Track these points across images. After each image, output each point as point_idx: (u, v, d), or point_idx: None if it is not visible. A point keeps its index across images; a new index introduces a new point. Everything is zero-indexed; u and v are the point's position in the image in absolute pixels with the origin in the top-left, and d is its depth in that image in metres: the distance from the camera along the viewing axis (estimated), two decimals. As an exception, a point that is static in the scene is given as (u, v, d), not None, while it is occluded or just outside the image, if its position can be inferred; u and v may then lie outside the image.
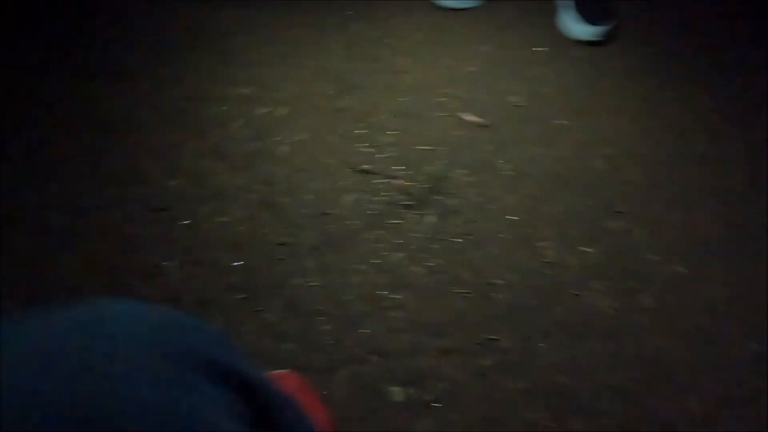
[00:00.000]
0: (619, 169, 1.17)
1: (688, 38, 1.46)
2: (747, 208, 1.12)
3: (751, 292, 1.00)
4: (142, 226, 1.01)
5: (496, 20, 1.48)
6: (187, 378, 0.34)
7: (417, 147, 1.17)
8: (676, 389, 0.88)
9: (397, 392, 0.85)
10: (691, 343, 0.93)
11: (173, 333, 0.36)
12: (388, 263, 1.00)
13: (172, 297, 0.93)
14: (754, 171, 1.18)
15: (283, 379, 0.78)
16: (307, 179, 1.11)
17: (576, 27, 1.42)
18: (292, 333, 0.91)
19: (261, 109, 1.22)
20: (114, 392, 0.31)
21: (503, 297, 0.98)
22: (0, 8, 1.39)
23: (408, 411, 0.84)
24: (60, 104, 1.20)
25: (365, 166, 1.13)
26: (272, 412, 0.42)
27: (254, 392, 0.39)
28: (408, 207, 1.07)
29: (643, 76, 1.37)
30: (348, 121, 1.22)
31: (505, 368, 0.89)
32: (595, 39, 1.41)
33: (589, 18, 1.40)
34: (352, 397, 0.85)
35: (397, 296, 0.96)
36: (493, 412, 0.84)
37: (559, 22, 1.46)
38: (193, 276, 0.95)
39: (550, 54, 1.40)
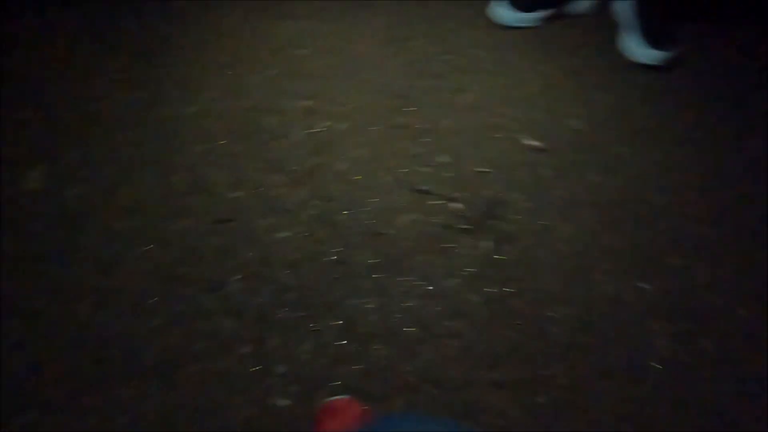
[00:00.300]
0: (682, 202, 1.14)
1: (759, 67, 1.40)
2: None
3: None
4: (204, 237, 1.03)
5: (557, 41, 1.43)
6: None
7: (474, 168, 1.16)
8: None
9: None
10: (756, 393, 0.90)
11: None
12: (442, 288, 1.00)
13: (234, 312, 0.95)
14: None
15: (345, 407, 0.78)
16: (365, 197, 1.11)
17: (639, 50, 1.36)
18: (347, 356, 0.92)
19: (321, 123, 1.22)
20: None
21: (558, 331, 0.96)
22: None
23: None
24: (124, 110, 1.23)
25: (422, 187, 1.12)
26: None
27: None
28: (464, 231, 1.07)
29: (708, 105, 1.31)
30: (406, 138, 1.21)
31: (559, 407, 0.88)
32: (658, 64, 1.35)
33: (653, 42, 1.35)
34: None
35: (451, 323, 0.96)
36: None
37: (622, 45, 1.41)
38: (253, 291, 0.97)
39: (613, 78, 1.35)
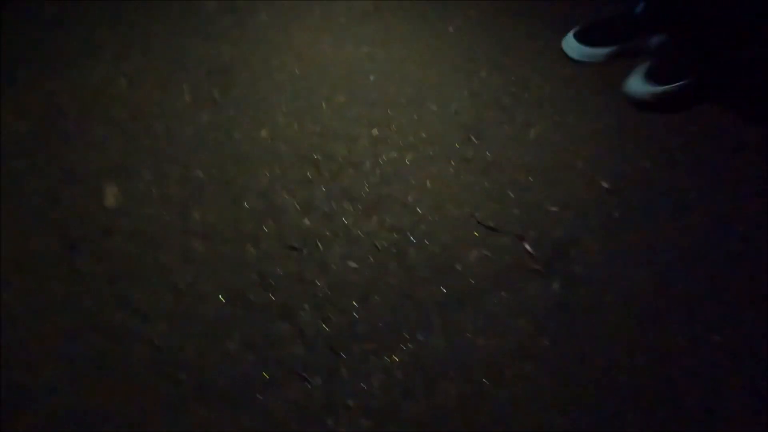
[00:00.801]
0: (759, 250, 1.09)
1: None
2: None
3: None
4: (277, 263, 1.04)
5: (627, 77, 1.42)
6: None
7: (543, 206, 1.14)
8: None
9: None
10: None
11: None
12: (512, 329, 0.98)
13: (305, 340, 0.95)
14: None
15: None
16: (433, 230, 1.09)
17: (634, 84, 1.31)
18: (417, 393, 0.91)
19: (389, 153, 1.21)
20: None
21: (630, 381, 0.94)
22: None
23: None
24: (197, 130, 1.24)
25: (490, 223, 1.12)
26: None
27: None
28: (533, 272, 1.05)
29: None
30: (474, 172, 1.19)
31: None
32: (647, 99, 1.30)
33: (653, 76, 1.30)
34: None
35: (521, 366, 0.95)
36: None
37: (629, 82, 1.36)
38: (325, 320, 0.97)
39: (683, 118, 1.31)
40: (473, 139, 1.26)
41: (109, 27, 1.45)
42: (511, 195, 1.16)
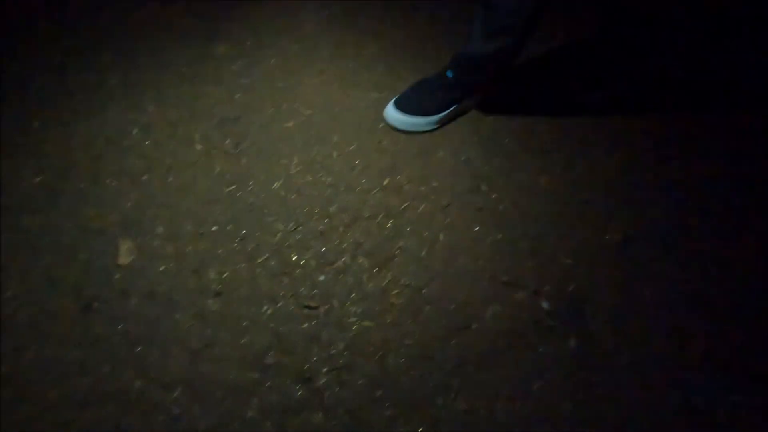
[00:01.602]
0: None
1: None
2: None
3: None
4: (294, 323, 1.02)
5: (634, 124, 1.39)
6: None
7: (557, 259, 1.12)
8: None
9: None
10: None
11: None
12: (532, 391, 0.96)
13: (324, 406, 0.93)
14: None
15: None
16: (447, 286, 1.08)
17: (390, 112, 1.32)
18: (438, 460, 0.90)
19: (400, 203, 1.20)
20: None
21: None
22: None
23: None
24: (212, 183, 1.22)
25: (505, 277, 1.10)
26: None
27: None
28: (549, 329, 1.03)
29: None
30: (486, 223, 1.18)
31: None
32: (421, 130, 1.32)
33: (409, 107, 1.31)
34: None
35: (541, 430, 0.93)
36: None
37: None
38: (342, 384, 0.95)
39: (695, 165, 1.29)
40: (483, 187, 1.26)
41: (120, 74, 1.43)
42: (524, 247, 1.15)
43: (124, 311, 1.02)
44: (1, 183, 1.19)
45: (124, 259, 1.10)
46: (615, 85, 1.47)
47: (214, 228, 1.15)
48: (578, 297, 1.07)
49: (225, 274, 1.08)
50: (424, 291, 1.07)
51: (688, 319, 1.05)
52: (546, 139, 1.37)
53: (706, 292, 1.09)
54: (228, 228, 1.15)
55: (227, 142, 1.31)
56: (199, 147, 1.30)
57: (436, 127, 1.37)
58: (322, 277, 1.08)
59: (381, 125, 1.37)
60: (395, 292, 1.07)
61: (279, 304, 1.04)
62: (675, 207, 1.23)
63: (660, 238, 1.17)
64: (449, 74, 1.34)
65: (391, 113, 1.35)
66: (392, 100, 1.37)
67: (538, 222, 1.20)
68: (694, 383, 0.97)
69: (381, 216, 1.19)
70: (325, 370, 0.96)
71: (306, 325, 1.02)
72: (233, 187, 1.23)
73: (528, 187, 1.26)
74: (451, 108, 1.36)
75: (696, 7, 1.69)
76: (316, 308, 1.04)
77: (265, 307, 1.04)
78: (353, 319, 1.03)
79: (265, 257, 1.11)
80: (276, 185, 1.23)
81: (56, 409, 0.91)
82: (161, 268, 1.08)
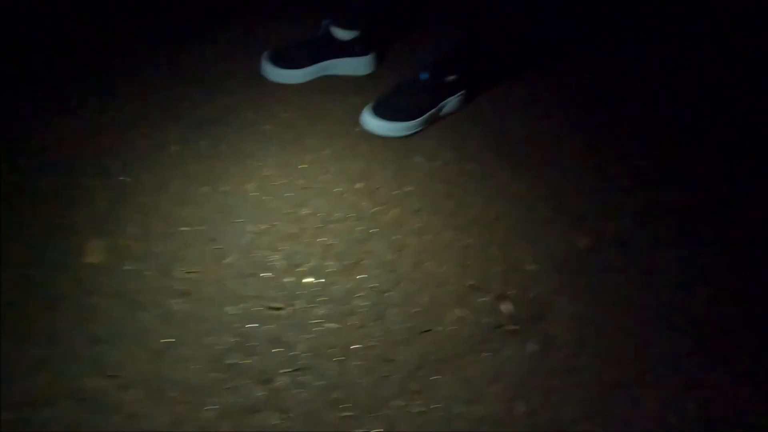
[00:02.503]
0: (755, 316, 1.07)
1: None
2: None
3: None
4: (257, 324, 1.00)
5: (608, 132, 1.40)
6: None
7: (523, 265, 1.11)
8: None
9: None
10: None
11: None
12: (488, 395, 0.94)
13: (282, 407, 0.91)
14: None
15: None
16: (413, 289, 1.07)
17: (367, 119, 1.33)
18: (393, 463, 0.89)
19: (372, 207, 1.19)
20: None
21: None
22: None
23: None
24: (186, 183, 1.21)
25: (471, 281, 1.09)
26: None
27: None
28: (511, 333, 1.01)
29: None
30: (456, 228, 1.17)
31: None
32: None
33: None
34: None
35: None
36: None
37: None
38: (301, 385, 0.94)
39: (671, 173, 1.30)
40: (457, 193, 1.25)
41: (100, 73, 1.44)
42: (492, 253, 1.14)
43: (89, 310, 1.01)
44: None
45: (92, 258, 1.10)
46: (589, 91, 1.48)
47: (184, 228, 1.14)
48: (541, 302, 1.06)
49: (192, 275, 1.07)
50: (388, 294, 1.06)
51: (645, 324, 1.04)
52: (519, 145, 1.36)
53: (670, 303, 1.08)
54: (198, 228, 1.14)
55: (203, 144, 1.32)
56: (175, 148, 1.30)
57: (411, 131, 1.37)
58: (289, 279, 1.07)
59: (357, 129, 1.37)
60: (360, 294, 1.06)
61: (243, 305, 1.03)
62: (645, 215, 1.22)
63: (629, 245, 1.16)
64: (423, 76, 1.34)
65: (368, 119, 1.35)
66: (369, 105, 1.37)
67: (508, 228, 1.19)
68: (651, 389, 0.96)
69: (352, 219, 1.18)
70: (284, 371, 0.94)
71: (270, 326, 1.00)
72: (207, 188, 1.22)
73: (500, 194, 1.25)
74: (427, 113, 1.36)
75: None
76: (280, 309, 1.02)
77: (229, 308, 1.02)
78: (317, 321, 1.02)
79: (233, 258, 1.10)
80: (249, 186, 1.22)
81: (12, 408, 0.89)
82: (128, 268, 1.07)
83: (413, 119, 1.36)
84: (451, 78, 1.35)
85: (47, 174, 1.20)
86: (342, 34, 1.44)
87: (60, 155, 1.24)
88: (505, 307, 1.04)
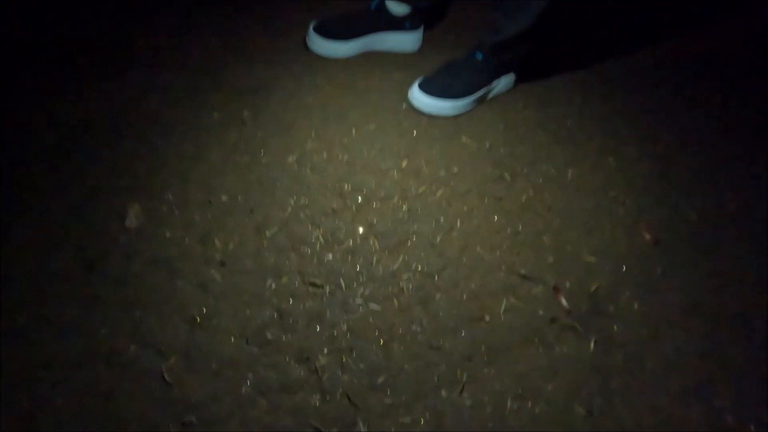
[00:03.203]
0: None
1: None
2: None
3: None
4: (297, 300, 0.96)
5: (672, 117, 1.31)
6: None
7: (580, 256, 1.05)
8: None
9: None
10: None
11: None
12: (544, 393, 0.88)
13: (322, 389, 0.87)
14: None
15: None
16: (462, 275, 1.01)
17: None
18: (438, 455, 0.84)
19: (417, 187, 1.14)
20: None
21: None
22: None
23: None
24: (226, 152, 1.18)
25: (523, 270, 1.03)
26: None
27: None
28: (567, 327, 0.95)
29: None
30: (506, 212, 1.11)
31: None
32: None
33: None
34: None
35: (551, 434, 0.87)
36: None
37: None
38: (343, 367, 0.89)
39: (734, 165, 1.22)
40: (506, 177, 1.19)
41: (144, 39, 1.41)
42: (546, 241, 1.08)
43: (126, 275, 0.98)
44: (14, 136, 1.18)
45: (131, 222, 1.07)
46: (655, 85, 1.39)
47: (223, 197, 1.10)
48: (601, 298, 0.99)
49: (231, 245, 1.03)
50: (436, 278, 1.01)
51: (711, 328, 0.96)
52: (576, 131, 1.28)
53: (747, 307, 1.00)
54: (238, 199, 1.10)
55: (245, 113, 1.27)
56: (216, 116, 1.26)
57: (460, 111, 1.31)
58: (330, 256, 1.03)
59: (403, 106, 1.30)
60: (406, 276, 1.01)
61: (283, 280, 0.98)
62: (713, 212, 1.14)
63: (694, 241, 1.09)
64: (478, 56, 1.27)
65: (416, 95, 1.29)
66: (417, 82, 1.31)
67: (562, 216, 1.12)
68: (723, 395, 0.90)
69: (396, 198, 1.13)
70: (326, 351, 0.90)
71: (310, 303, 0.96)
72: (247, 158, 1.18)
73: (554, 180, 1.18)
74: (478, 92, 1.29)
75: None
76: (321, 287, 0.98)
77: (269, 282, 0.98)
78: (359, 301, 0.97)
79: (273, 231, 1.06)
80: (290, 159, 1.18)
81: (50, 367, 0.87)
82: (167, 235, 1.04)
83: (462, 98, 1.29)
84: (506, 59, 1.28)
85: (89, 138, 1.18)
86: (397, 8, 1.38)
87: (102, 119, 1.22)
88: (563, 300, 0.99)
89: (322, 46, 1.40)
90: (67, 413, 0.84)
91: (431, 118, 1.29)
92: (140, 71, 1.32)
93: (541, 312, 0.97)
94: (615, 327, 0.96)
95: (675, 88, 1.41)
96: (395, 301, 0.98)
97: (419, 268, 1.02)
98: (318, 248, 1.04)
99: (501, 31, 1.23)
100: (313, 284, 0.98)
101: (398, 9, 1.39)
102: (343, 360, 0.90)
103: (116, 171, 1.13)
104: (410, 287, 0.99)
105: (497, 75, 1.31)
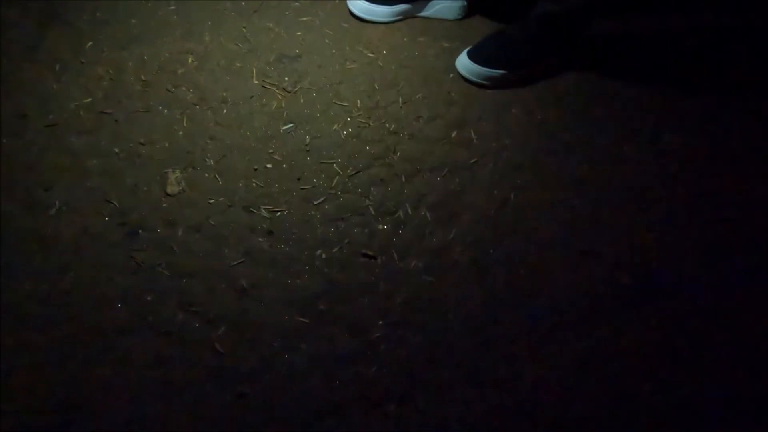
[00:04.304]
0: None
1: None
2: None
3: None
4: (350, 271, 0.94)
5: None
6: None
7: (642, 233, 0.98)
8: None
9: None
10: None
11: None
12: (610, 371, 0.85)
13: (378, 361, 0.84)
14: None
15: None
16: (520, 250, 0.96)
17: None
18: (500, 430, 0.81)
19: (471, 159, 1.09)
20: None
21: None
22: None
23: None
24: (269, 120, 1.14)
25: (583, 247, 0.97)
26: None
27: None
28: (631, 307, 0.91)
29: None
30: (565, 188, 1.05)
31: None
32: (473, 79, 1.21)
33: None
34: None
35: (623, 415, 0.83)
36: None
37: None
38: (399, 340, 0.87)
39: None
40: (560, 150, 1.15)
41: (178, 2, 1.38)
42: (604, 216, 1.05)
43: (170, 241, 0.95)
44: (49, 100, 1.14)
45: (172, 188, 1.03)
46: (715, 58, 1.33)
47: (268, 165, 1.07)
48: (664, 275, 0.96)
49: (278, 214, 1.00)
50: (491, 251, 0.98)
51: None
52: (631, 106, 1.23)
53: None
54: (283, 167, 1.07)
55: (286, 79, 1.22)
56: (256, 82, 1.22)
57: (510, 82, 1.26)
58: (381, 227, 0.99)
59: (451, 75, 1.25)
60: (460, 249, 0.98)
61: (334, 250, 0.96)
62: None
63: (763, 224, 1.05)
64: (532, 28, 1.22)
65: (465, 63, 1.24)
66: (466, 50, 1.26)
67: (620, 191, 1.08)
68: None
69: (447, 169, 1.09)
70: (381, 323, 0.88)
71: (362, 274, 0.93)
72: (290, 125, 1.14)
73: (610, 155, 1.13)
74: (531, 64, 1.24)
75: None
76: (374, 258, 0.95)
77: (319, 251, 0.95)
78: (413, 273, 0.94)
79: (321, 200, 1.03)
80: (336, 127, 1.14)
81: (95, 333, 0.85)
82: (211, 201, 1.01)
83: (514, 69, 1.25)
84: (562, 34, 1.23)
85: (123, 99, 1.14)
86: None
87: (136, 81, 1.18)
88: (624, 277, 0.95)
89: (365, 9, 1.35)
90: (115, 381, 0.82)
91: (479, 89, 1.25)
92: (174, 36, 1.26)
93: (602, 289, 0.94)
94: (680, 307, 0.92)
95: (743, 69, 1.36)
96: (450, 274, 0.95)
97: (474, 241, 0.99)
98: (369, 218, 1.01)
99: (552, 3, 1.17)
100: (366, 255, 0.95)
101: None
102: (399, 332, 0.87)
103: (154, 136, 1.09)
104: (465, 260, 0.96)
105: (550, 49, 1.26)
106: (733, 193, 1.08)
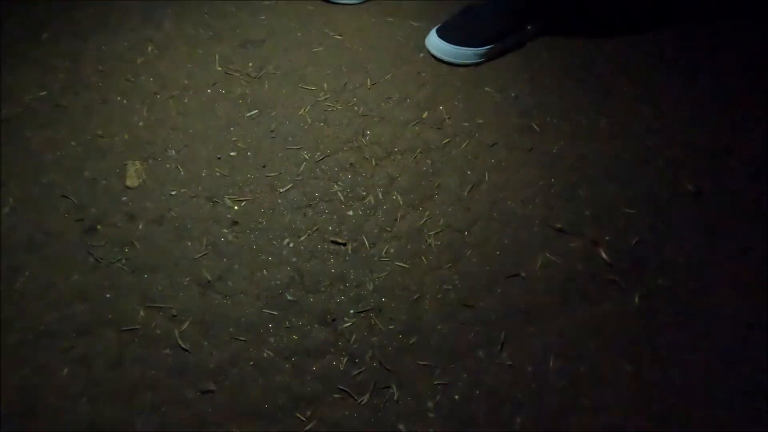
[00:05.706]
0: None
1: None
2: None
3: None
4: (318, 259, 0.90)
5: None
6: None
7: (619, 206, 0.98)
8: None
9: None
10: None
11: None
12: (588, 351, 0.83)
13: (349, 352, 0.81)
14: None
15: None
16: (495, 230, 0.95)
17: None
18: (479, 419, 0.77)
19: (442, 139, 1.06)
20: None
21: (724, 413, 0.80)
22: None
23: None
24: (232, 107, 1.11)
25: (559, 224, 0.96)
26: None
27: None
28: (610, 283, 0.91)
29: None
30: (540, 166, 1.04)
31: None
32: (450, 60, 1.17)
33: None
34: None
35: (595, 396, 0.81)
36: None
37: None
38: (371, 329, 0.84)
39: None
40: (535, 127, 1.12)
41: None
42: (582, 193, 1.02)
43: (131, 236, 0.91)
44: (2, 94, 1.09)
45: (132, 181, 0.99)
46: (687, 23, 1.30)
47: (232, 153, 1.03)
48: (644, 250, 0.94)
49: (243, 204, 0.96)
50: (465, 234, 0.94)
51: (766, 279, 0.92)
52: (606, 78, 1.20)
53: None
54: (248, 154, 1.02)
55: (250, 65, 1.17)
56: (219, 68, 1.17)
57: (482, 60, 1.22)
58: (350, 212, 0.96)
59: (421, 55, 1.22)
60: (433, 232, 0.94)
61: (302, 238, 0.92)
62: (753, 161, 1.07)
63: (736, 193, 1.02)
64: (501, 2, 1.18)
65: (434, 41, 1.20)
66: (435, 28, 1.22)
67: (597, 167, 1.05)
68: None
69: (419, 151, 1.06)
70: (352, 312, 0.85)
71: (332, 262, 0.90)
72: (255, 111, 1.10)
73: (586, 129, 1.11)
74: (501, 40, 1.21)
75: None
76: (343, 245, 0.92)
77: (286, 240, 0.92)
78: (385, 259, 0.91)
79: (287, 187, 0.99)
80: (302, 112, 1.10)
81: (53, 334, 0.81)
82: (173, 193, 0.97)
83: (484, 46, 1.21)
84: (532, 7, 1.19)
85: (80, 91, 1.10)
86: None
87: (93, 72, 1.13)
88: (603, 254, 0.93)
89: None
90: (74, 384, 0.78)
91: (451, 67, 1.21)
92: (132, 24, 1.21)
93: (580, 267, 0.91)
94: (660, 281, 0.91)
95: (716, 30, 1.33)
96: (423, 258, 0.91)
97: (447, 224, 0.95)
98: (337, 205, 0.97)
99: None
100: (335, 242, 0.92)
101: None
102: (372, 321, 0.84)
103: (112, 128, 1.04)
104: (438, 244, 0.93)
105: (520, 23, 1.23)
106: (709, 164, 1.07)
